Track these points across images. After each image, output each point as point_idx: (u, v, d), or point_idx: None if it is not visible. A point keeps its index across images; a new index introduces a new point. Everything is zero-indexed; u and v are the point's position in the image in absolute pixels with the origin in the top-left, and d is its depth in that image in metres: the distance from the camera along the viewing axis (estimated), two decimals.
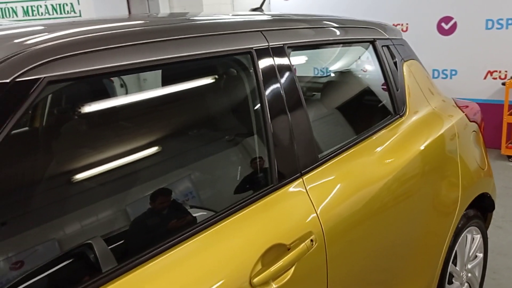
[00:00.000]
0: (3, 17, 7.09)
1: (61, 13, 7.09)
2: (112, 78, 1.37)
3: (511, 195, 4.25)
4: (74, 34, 1.02)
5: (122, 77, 1.36)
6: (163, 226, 1.19)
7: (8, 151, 0.91)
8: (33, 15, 7.13)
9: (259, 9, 2.27)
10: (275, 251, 1.22)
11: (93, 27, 1.10)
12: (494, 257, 3.15)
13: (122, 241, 1.12)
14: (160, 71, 1.32)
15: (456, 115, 2.20)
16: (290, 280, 1.23)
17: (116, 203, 1.19)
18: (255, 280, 1.14)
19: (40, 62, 0.94)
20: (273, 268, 1.19)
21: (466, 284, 2.32)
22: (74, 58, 0.98)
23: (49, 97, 1.13)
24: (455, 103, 2.33)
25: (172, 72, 1.29)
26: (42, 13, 7.10)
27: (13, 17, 7.11)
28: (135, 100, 1.34)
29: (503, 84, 5.11)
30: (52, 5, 7.08)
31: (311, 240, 1.30)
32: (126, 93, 1.48)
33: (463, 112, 2.26)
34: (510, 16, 5.05)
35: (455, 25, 5.42)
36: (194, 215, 1.22)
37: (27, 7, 7.10)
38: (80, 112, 1.14)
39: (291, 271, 1.23)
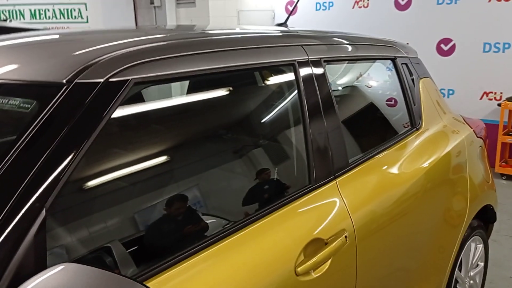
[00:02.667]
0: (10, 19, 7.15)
1: (68, 18, 7.19)
2: None
3: (505, 211, 4.43)
4: (155, 40, 1.15)
5: None
6: (217, 220, 1.31)
7: (99, 146, 1.02)
8: (40, 18, 7.20)
9: (283, 24, 2.42)
10: (315, 245, 1.35)
11: (169, 35, 1.23)
12: (490, 268, 3.30)
13: (186, 229, 1.24)
14: None
15: (465, 131, 2.36)
16: (327, 271, 1.35)
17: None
18: (299, 269, 1.26)
19: (129, 65, 1.06)
20: (313, 260, 1.31)
21: None
22: (157, 62, 1.10)
23: None
24: (464, 119, 2.50)
25: (233, 79, 1.42)
26: (49, 17, 7.18)
27: (20, 19, 7.17)
28: (188, 105, 1.46)
29: (499, 105, 5.32)
30: (60, 9, 7.17)
31: (345, 237, 1.43)
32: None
33: (472, 128, 2.43)
34: (507, 41, 5.28)
35: (453, 46, 5.64)
36: (246, 210, 1.35)
37: (35, 10, 7.17)
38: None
39: (328, 264, 1.36)
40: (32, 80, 1.05)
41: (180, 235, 1.23)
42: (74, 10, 7.18)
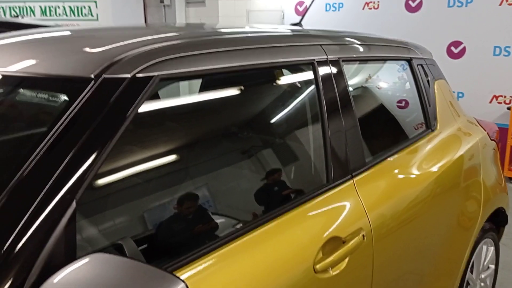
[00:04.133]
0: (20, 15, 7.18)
1: (78, 16, 7.21)
2: None
3: None
4: (181, 37, 1.16)
5: None
6: (236, 217, 1.32)
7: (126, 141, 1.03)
8: (50, 15, 7.23)
9: (298, 24, 2.43)
10: (333, 243, 1.35)
11: (193, 32, 1.24)
12: (500, 272, 3.29)
13: (209, 223, 1.25)
14: None
15: (479, 133, 2.36)
16: (345, 269, 1.36)
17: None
18: (318, 266, 1.27)
19: (155, 61, 1.07)
20: (331, 258, 1.32)
21: None
22: (182, 59, 1.11)
23: None
24: (477, 122, 2.50)
25: (256, 77, 1.43)
26: (59, 14, 7.21)
27: (30, 16, 7.21)
28: (210, 102, 1.47)
29: (508, 108, 5.30)
30: (70, 7, 7.20)
31: (363, 236, 1.43)
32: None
33: (485, 131, 2.43)
34: None
35: (464, 49, 5.62)
36: (265, 208, 1.36)
37: (45, 7, 7.20)
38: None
39: (346, 261, 1.37)
40: (60, 74, 1.06)
41: (201, 232, 1.24)
42: (84, 7, 7.20)
